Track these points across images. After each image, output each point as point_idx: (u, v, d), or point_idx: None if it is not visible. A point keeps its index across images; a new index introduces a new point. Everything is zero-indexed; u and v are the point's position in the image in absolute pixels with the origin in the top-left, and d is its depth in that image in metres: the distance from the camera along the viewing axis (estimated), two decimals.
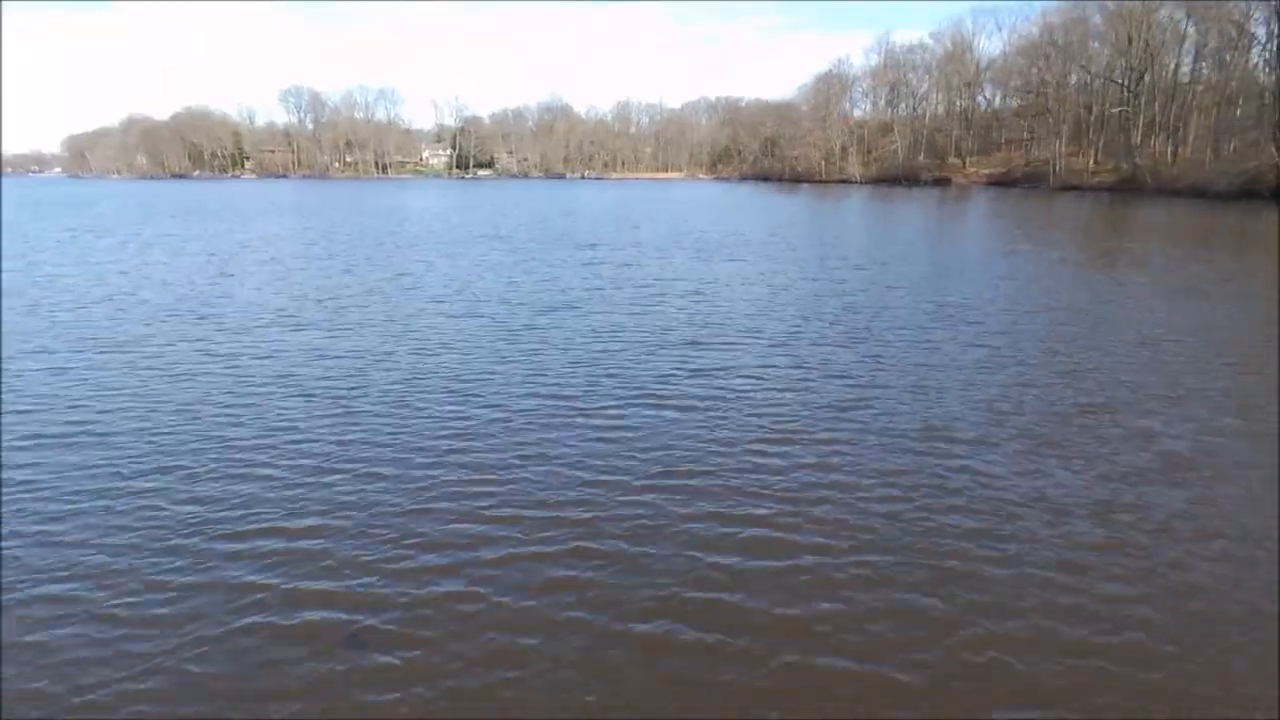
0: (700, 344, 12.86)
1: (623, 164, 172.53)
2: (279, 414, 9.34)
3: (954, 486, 7.16)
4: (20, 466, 7.66)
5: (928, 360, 11.67)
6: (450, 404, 9.77)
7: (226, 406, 9.64)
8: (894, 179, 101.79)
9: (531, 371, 11.20)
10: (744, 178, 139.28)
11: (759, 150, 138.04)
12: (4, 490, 7.10)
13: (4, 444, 8.26)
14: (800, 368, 11.33)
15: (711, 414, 9.33)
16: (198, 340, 13.24)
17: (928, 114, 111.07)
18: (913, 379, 10.64)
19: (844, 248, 28.22)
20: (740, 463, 7.84)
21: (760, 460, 7.88)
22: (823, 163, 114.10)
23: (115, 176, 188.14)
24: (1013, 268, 22.33)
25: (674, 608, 5.33)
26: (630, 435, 8.64)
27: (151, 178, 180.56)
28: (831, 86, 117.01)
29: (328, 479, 7.43)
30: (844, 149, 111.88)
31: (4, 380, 10.72)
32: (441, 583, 5.61)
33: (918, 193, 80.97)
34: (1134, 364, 11.43)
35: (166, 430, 8.75)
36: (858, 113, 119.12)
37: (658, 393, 10.20)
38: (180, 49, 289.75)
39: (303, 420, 9.12)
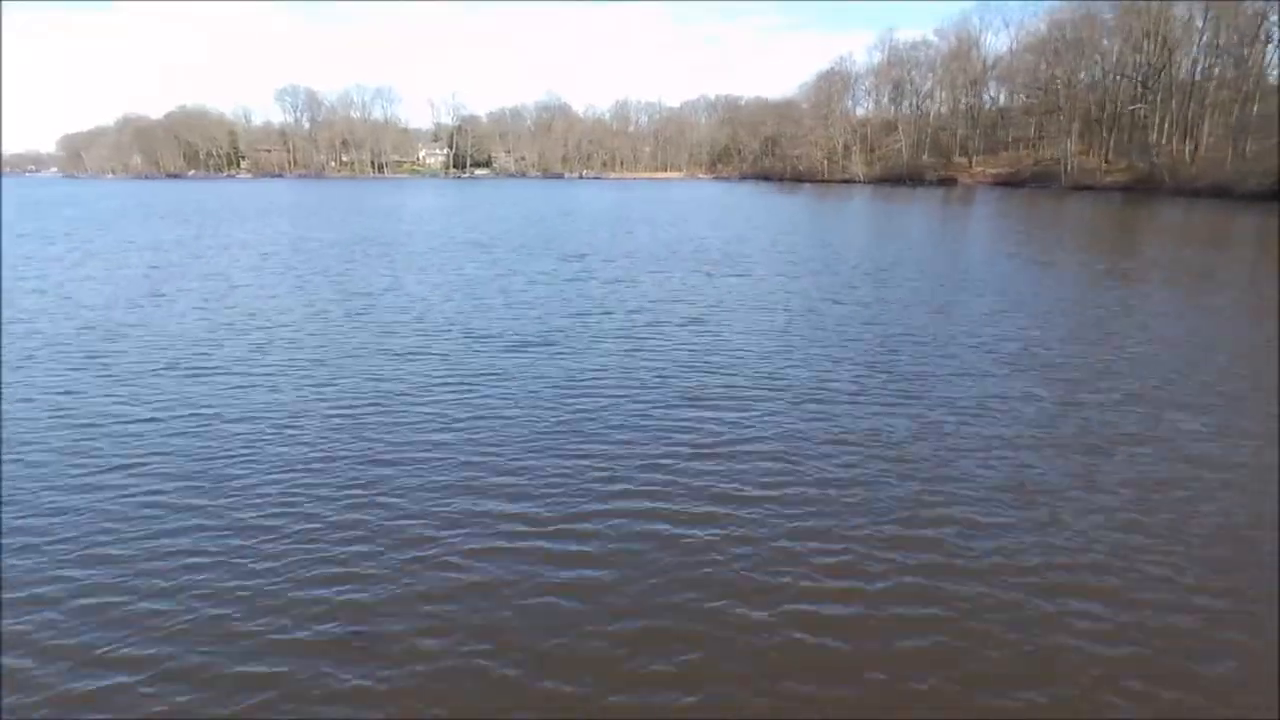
0: (704, 401, 9.86)
1: (621, 163, 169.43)
2: (92, 533, 6.35)
3: None
4: None
5: (1009, 432, 8.66)
6: (348, 511, 6.78)
7: (27, 519, 6.65)
8: (898, 178, 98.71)
9: (475, 453, 8.17)
10: (744, 177, 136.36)
11: (759, 149, 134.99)
12: None
13: None
14: (842, 443, 8.33)
15: (724, 534, 6.34)
16: (64, 394, 10.24)
17: (932, 112, 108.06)
18: (1006, 470, 7.60)
19: (859, 256, 25.26)
20: (776, 646, 4.85)
21: (808, 641, 4.90)
22: (825, 162, 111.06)
23: (110, 176, 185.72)
24: (1059, 284, 19.35)
25: None
26: (603, 580, 5.67)
27: (146, 177, 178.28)
28: (834, 84, 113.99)
29: (106, 684, 4.44)
30: (846, 148, 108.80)
31: None
32: None
33: (923, 193, 77.92)
34: None
35: None
36: (860, 111, 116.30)
37: (647, 489, 7.23)
38: (180, 49, 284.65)
39: (119, 545, 6.13)
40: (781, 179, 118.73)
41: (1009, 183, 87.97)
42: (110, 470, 7.67)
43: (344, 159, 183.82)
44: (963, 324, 14.52)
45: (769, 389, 10.36)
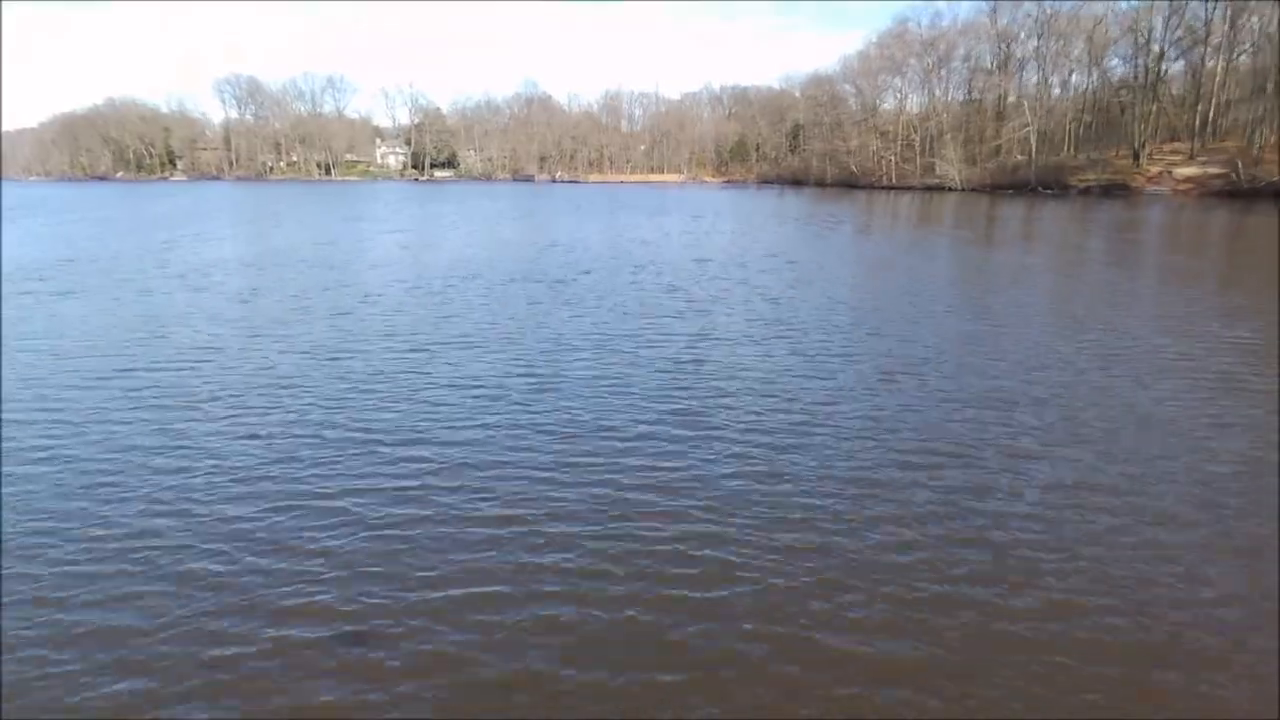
0: None
1: (610, 163, 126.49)
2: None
3: None
4: None
5: None
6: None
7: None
8: (1020, 184, 57.70)
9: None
10: (764, 181, 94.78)
11: (784, 145, 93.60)
12: None
13: None
14: None
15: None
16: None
17: (1049, 90, 66.17)
18: None
19: None
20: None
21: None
22: (892, 160, 69.45)
23: (33, 179, 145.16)
24: None
25: None
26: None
27: (69, 180, 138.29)
28: (899, 49, 72.05)
29: None
30: (931, 139, 66.93)
31: None
32: None
33: (1082, 208, 37.83)
34: None
35: None
36: (941, 88, 73.77)
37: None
38: (180, 49, 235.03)
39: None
40: (822, 184, 77.54)
41: (1233, 194, 47.23)
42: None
43: (291, 159, 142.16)
44: None
45: None
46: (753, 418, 6.87)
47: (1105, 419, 6.94)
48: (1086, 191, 53.39)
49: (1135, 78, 56.78)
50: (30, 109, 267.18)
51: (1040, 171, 57.08)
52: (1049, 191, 54.79)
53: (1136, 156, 56.30)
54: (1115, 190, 52.60)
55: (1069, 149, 61.13)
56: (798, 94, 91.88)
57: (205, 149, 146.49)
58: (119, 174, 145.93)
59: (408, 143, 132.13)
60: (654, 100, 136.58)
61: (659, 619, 3.93)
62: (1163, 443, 6.39)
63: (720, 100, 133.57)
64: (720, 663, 3.58)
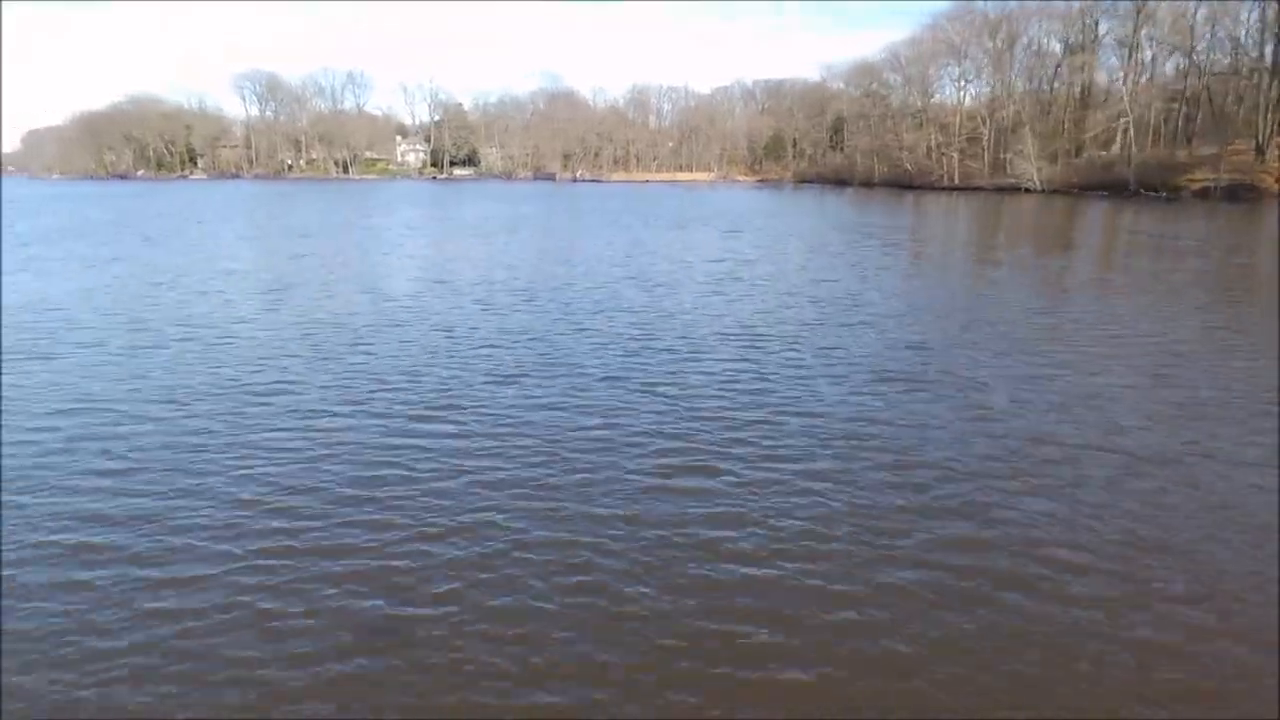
0: None
1: (637, 161, 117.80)
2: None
3: None
4: None
5: None
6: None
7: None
8: (1115, 184, 48.16)
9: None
10: (803, 180, 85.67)
11: (825, 141, 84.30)
12: None
13: None
14: None
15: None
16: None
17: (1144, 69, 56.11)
18: None
19: None
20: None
21: None
22: (955, 156, 59.94)
23: (56, 177, 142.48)
24: None
25: None
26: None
27: (90, 178, 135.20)
28: (958, 32, 62.43)
29: None
30: (1005, 134, 57.22)
31: None
32: None
33: (1197, 220, 28.81)
34: None
35: None
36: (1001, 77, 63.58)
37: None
38: (180, 49, 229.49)
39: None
40: (869, 184, 68.47)
41: None
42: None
43: (311, 157, 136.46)
44: None
45: None
46: None
47: None
48: (1204, 194, 43.81)
49: (1262, 58, 46.69)
50: (31, 109, 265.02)
51: (1140, 170, 47.45)
52: (1155, 194, 45.28)
53: (1261, 151, 46.39)
54: (1242, 192, 42.95)
55: (1158, 143, 51.35)
56: (842, 85, 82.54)
57: (226, 147, 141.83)
58: (140, 172, 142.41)
59: (427, 140, 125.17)
60: (683, 95, 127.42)
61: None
62: None
63: (753, 95, 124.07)
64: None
